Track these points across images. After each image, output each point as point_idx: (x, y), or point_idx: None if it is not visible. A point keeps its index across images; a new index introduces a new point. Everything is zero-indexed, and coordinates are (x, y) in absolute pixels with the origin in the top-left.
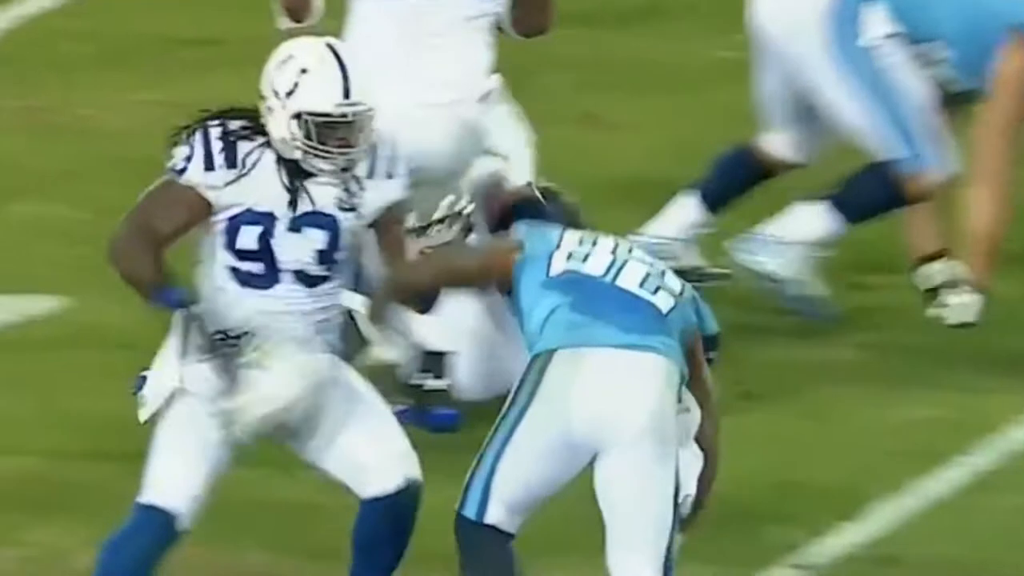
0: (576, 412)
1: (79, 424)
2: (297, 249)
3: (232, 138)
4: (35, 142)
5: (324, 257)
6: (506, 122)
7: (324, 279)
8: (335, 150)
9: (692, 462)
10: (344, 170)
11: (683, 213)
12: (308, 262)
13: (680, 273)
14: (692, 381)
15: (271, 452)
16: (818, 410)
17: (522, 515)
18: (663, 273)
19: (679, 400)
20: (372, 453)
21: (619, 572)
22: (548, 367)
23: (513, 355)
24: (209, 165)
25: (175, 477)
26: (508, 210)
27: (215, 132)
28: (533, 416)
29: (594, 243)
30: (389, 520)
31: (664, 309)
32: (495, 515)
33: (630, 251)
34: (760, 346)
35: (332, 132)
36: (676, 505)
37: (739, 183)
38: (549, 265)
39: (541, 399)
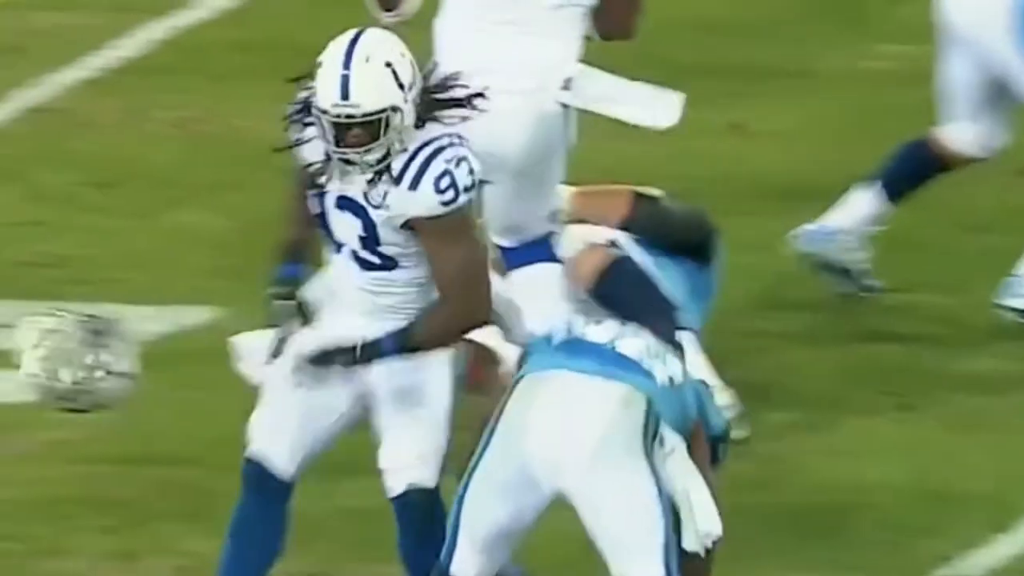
0: (530, 443)
1: (232, 434)
2: (343, 228)
3: (307, 108)
4: (189, 152)
5: (367, 244)
6: (619, 82)
7: (377, 266)
8: (335, 147)
9: (700, 493)
10: (357, 165)
11: (859, 206)
12: (356, 244)
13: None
14: None
15: None
16: (972, 421)
17: (493, 555)
18: (666, 355)
19: (660, 441)
20: (388, 456)
21: None
22: (512, 394)
23: None
24: (289, 124)
25: (263, 427)
26: (602, 274)
27: (300, 95)
28: (493, 448)
29: (598, 322)
30: (404, 521)
31: (657, 378)
32: (461, 559)
33: (636, 333)
34: (915, 356)
35: (342, 129)
36: (664, 506)
37: (915, 176)
38: (551, 339)
39: (500, 431)
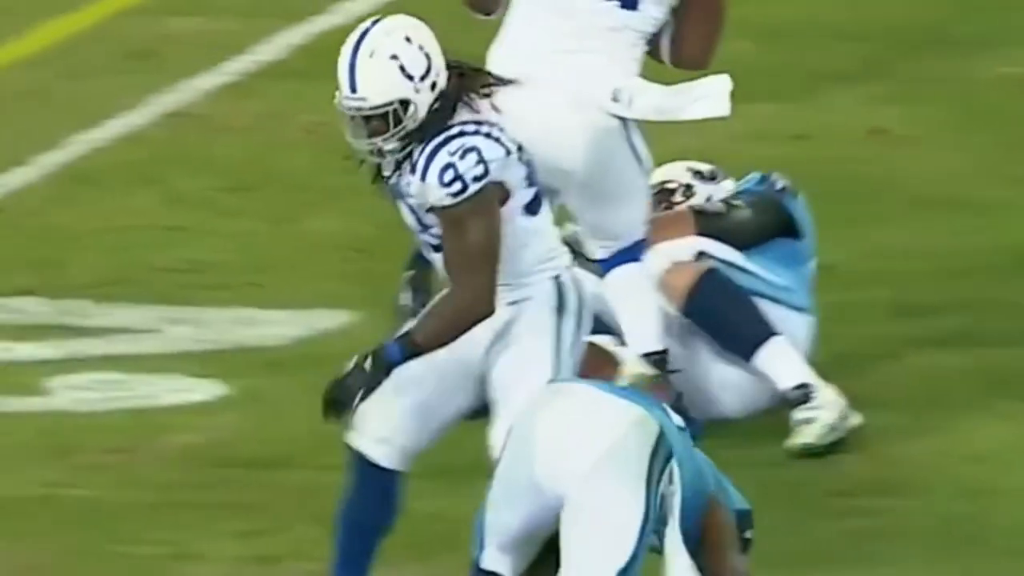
0: (537, 449)
1: None
2: (404, 213)
3: None
4: (324, 157)
5: (422, 228)
6: (668, 89)
7: (441, 248)
8: (355, 139)
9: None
10: (376, 156)
11: None
12: (417, 228)
13: None
14: (707, 555)
15: None
16: None
17: (518, 554)
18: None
19: (669, 477)
20: (489, 448)
21: None
22: (531, 400)
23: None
24: None
25: (366, 417)
26: (691, 293)
27: None
28: (507, 453)
29: None
30: None
31: (677, 424)
32: (491, 556)
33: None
34: None
35: (359, 121)
36: (642, 538)
37: None
38: None
39: (513, 435)
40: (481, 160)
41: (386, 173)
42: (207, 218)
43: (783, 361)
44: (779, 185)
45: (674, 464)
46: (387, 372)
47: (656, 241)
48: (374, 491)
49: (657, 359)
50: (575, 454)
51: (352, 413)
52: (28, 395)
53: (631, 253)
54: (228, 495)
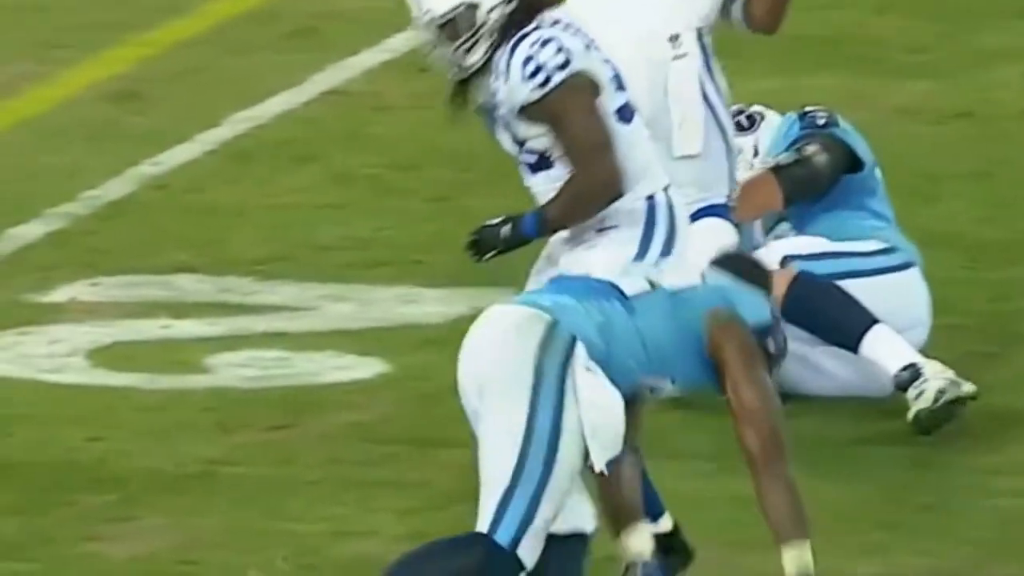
0: (469, 399)
1: None
2: (500, 137)
3: None
4: (484, 134)
5: (520, 146)
6: (692, 105)
7: (539, 166)
8: (437, 58)
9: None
10: (462, 70)
11: None
12: (514, 150)
13: None
14: (727, 376)
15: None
16: None
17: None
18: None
19: (572, 356)
20: None
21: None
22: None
23: None
24: None
25: None
26: (785, 300)
27: None
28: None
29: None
30: None
31: (624, 288)
32: None
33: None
34: None
35: (439, 39)
36: (536, 446)
37: None
38: None
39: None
40: (561, 48)
41: (466, 82)
42: (368, 196)
43: (887, 346)
44: (821, 120)
45: (578, 349)
46: (520, 243)
47: (749, 211)
48: None
49: None
50: (471, 390)
51: (485, 261)
52: (189, 372)
53: (707, 212)
54: (388, 473)
